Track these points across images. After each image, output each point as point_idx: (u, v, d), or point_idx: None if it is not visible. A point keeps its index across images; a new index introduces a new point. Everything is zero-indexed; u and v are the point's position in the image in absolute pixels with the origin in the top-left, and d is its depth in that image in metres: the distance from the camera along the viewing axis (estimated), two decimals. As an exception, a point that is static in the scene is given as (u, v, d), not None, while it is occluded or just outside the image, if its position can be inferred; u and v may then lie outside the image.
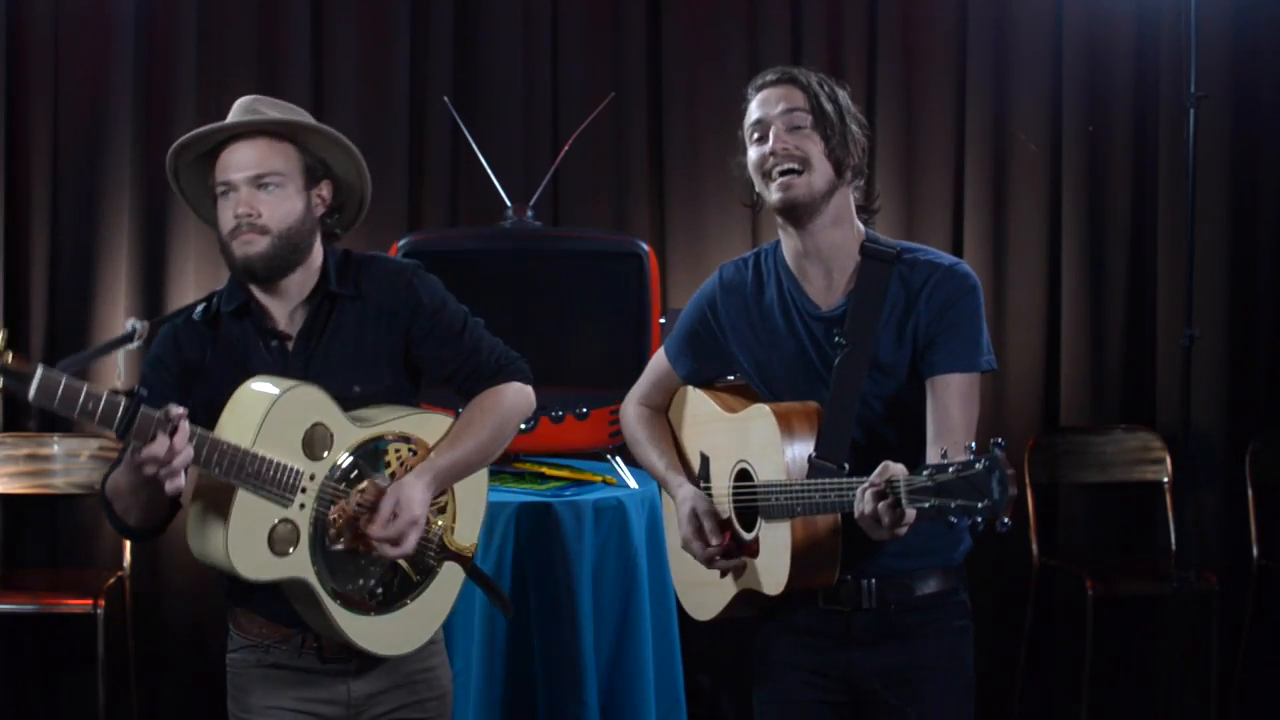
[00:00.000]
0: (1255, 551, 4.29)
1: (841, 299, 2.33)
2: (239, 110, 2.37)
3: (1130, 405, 4.51)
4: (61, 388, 2.02)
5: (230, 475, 2.13)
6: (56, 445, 4.14)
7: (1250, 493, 4.33)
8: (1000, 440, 1.91)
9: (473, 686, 3.21)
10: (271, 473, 2.17)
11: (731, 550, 2.38)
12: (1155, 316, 4.45)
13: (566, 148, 3.97)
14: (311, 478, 2.22)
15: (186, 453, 2.07)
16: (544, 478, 3.49)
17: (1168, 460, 4.36)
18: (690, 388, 2.56)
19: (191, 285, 4.18)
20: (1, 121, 4.13)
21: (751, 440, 2.35)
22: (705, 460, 2.50)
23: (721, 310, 2.45)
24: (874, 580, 2.31)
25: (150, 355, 2.36)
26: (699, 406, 2.54)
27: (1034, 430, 4.44)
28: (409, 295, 2.39)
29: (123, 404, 2.05)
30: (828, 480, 2.18)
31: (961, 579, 2.39)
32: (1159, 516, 4.43)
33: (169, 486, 2.09)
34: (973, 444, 1.96)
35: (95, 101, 4.21)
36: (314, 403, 2.23)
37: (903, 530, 2.05)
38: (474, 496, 2.47)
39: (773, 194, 2.30)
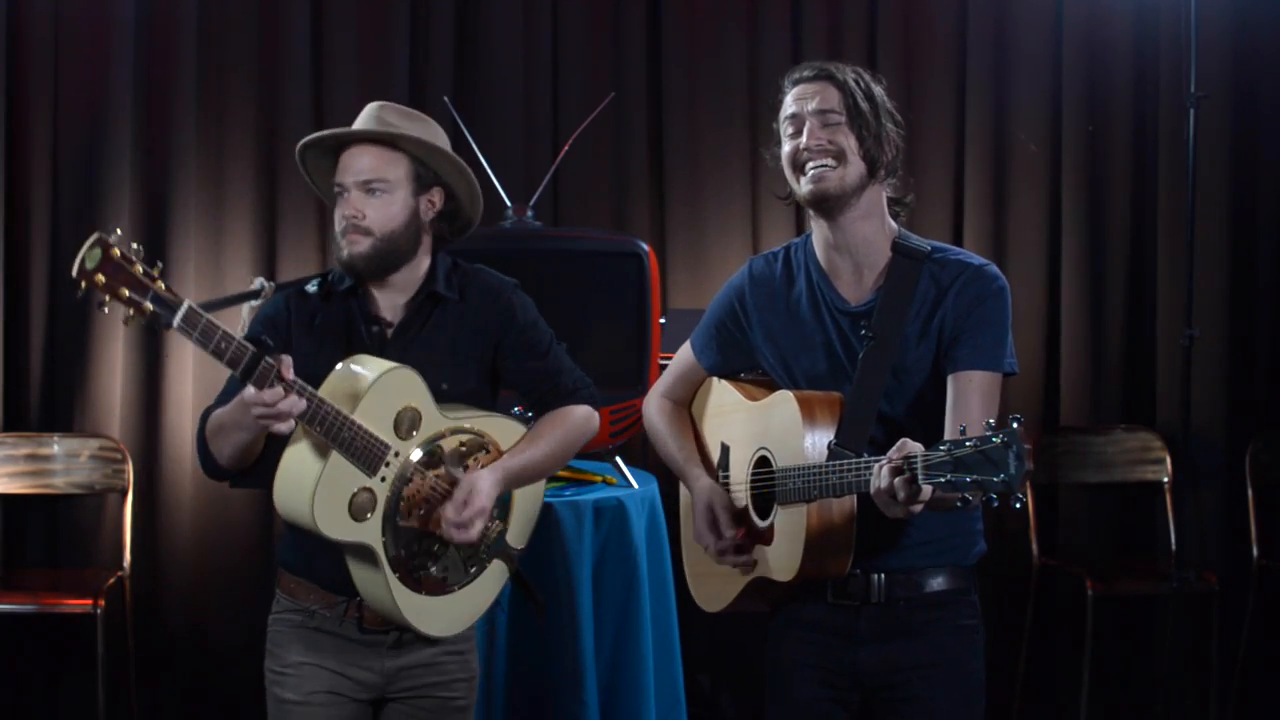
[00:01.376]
0: (1255, 551, 4.29)
1: (871, 294, 2.33)
2: (366, 117, 2.54)
3: (1130, 405, 4.51)
4: (203, 323, 2.18)
5: (329, 435, 2.30)
6: (56, 445, 4.13)
7: (1250, 493, 4.32)
8: (1019, 416, 1.91)
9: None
10: (365, 442, 2.33)
11: (745, 545, 2.39)
12: (1155, 316, 4.45)
13: (566, 148, 3.97)
14: (396, 455, 2.39)
15: (298, 406, 2.25)
16: (544, 478, 3.49)
17: (1168, 460, 4.36)
18: (715, 379, 2.57)
19: (192, 285, 4.18)
20: (2, 122, 4.13)
21: (773, 426, 2.35)
22: (725, 450, 2.50)
23: (750, 301, 2.46)
24: (883, 575, 2.31)
25: (261, 314, 2.54)
26: (723, 396, 2.55)
27: (1034, 430, 4.43)
28: (506, 308, 2.60)
29: (251, 351, 2.21)
30: (845, 461, 2.18)
31: (973, 580, 2.40)
32: (1159, 516, 4.43)
33: (278, 427, 2.27)
34: (991, 420, 1.95)
35: (95, 101, 4.20)
36: (411, 385, 2.40)
37: (917, 508, 2.04)
38: (531, 503, 2.64)
39: (804, 186, 2.31)
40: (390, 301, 2.54)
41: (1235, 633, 4.32)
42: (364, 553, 2.39)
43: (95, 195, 4.18)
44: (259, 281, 2.40)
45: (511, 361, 2.59)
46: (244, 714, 4.19)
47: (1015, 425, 1.90)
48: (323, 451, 2.32)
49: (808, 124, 2.30)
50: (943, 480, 1.94)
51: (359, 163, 2.48)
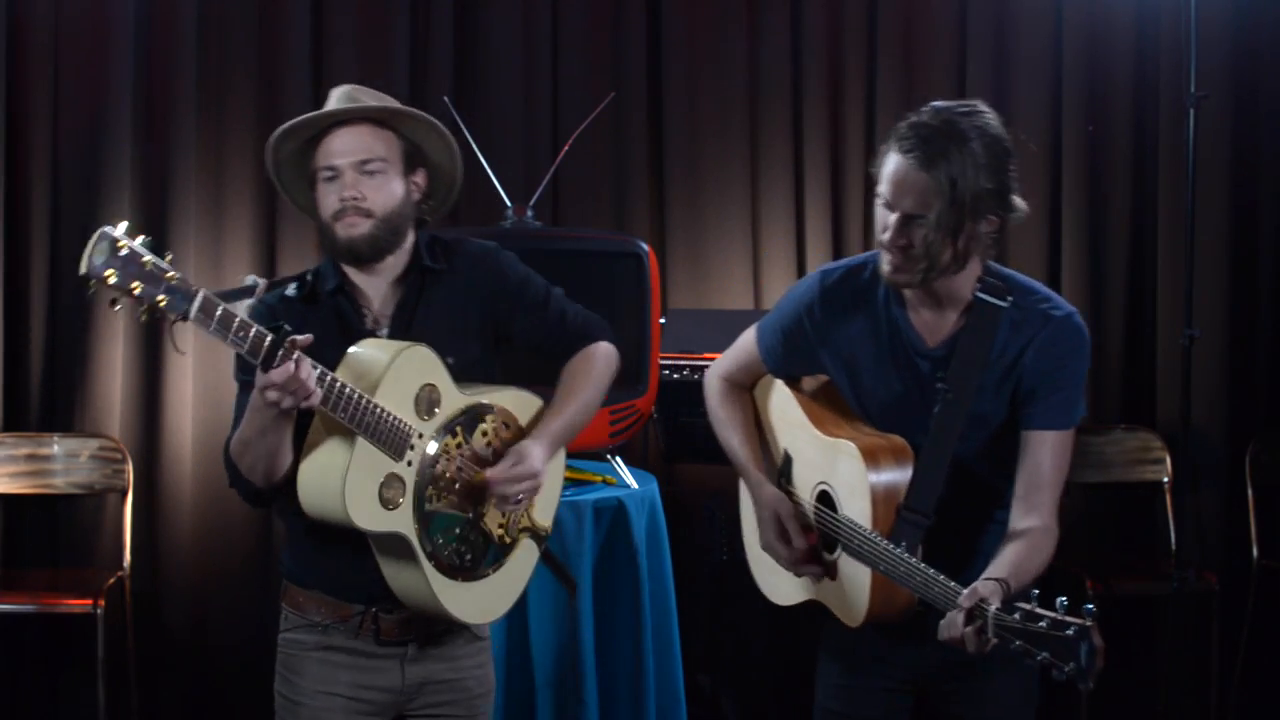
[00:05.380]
0: (1255, 551, 4.30)
1: (949, 334, 2.30)
2: (339, 98, 2.42)
3: (1130, 405, 4.51)
4: (220, 310, 2.05)
5: (351, 420, 2.19)
6: (56, 445, 4.13)
7: (1250, 493, 4.33)
8: (1091, 607, 1.93)
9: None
10: (389, 425, 2.22)
11: (815, 556, 2.41)
12: (1155, 316, 4.46)
13: (566, 148, 3.97)
14: (421, 436, 2.28)
15: (311, 375, 2.13)
16: (544, 478, 3.49)
17: (1168, 460, 4.36)
18: (779, 382, 2.55)
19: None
20: (1, 121, 4.13)
21: (838, 472, 2.35)
22: (789, 460, 2.50)
23: (820, 316, 2.40)
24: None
25: (254, 316, 2.40)
26: (787, 408, 2.52)
27: (1034, 430, 4.43)
28: (496, 272, 2.50)
29: (269, 338, 2.09)
30: (911, 560, 2.18)
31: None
32: (1159, 516, 4.43)
33: (295, 404, 2.14)
34: (1064, 600, 1.96)
35: (95, 101, 4.20)
36: (427, 363, 2.31)
37: (986, 649, 2.08)
38: (554, 478, 2.53)
39: (883, 265, 2.27)
40: (378, 290, 2.42)
41: (1235, 633, 4.32)
42: (397, 543, 2.27)
43: (95, 194, 4.18)
44: (250, 279, 2.30)
45: (515, 323, 2.50)
46: (244, 714, 4.19)
47: (1090, 621, 1.92)
48: (348, 440, 2.20)
49: (893, 219, 2.22)
50: (1014, 645, 2.00)
51: (352, 142, 2.35)
